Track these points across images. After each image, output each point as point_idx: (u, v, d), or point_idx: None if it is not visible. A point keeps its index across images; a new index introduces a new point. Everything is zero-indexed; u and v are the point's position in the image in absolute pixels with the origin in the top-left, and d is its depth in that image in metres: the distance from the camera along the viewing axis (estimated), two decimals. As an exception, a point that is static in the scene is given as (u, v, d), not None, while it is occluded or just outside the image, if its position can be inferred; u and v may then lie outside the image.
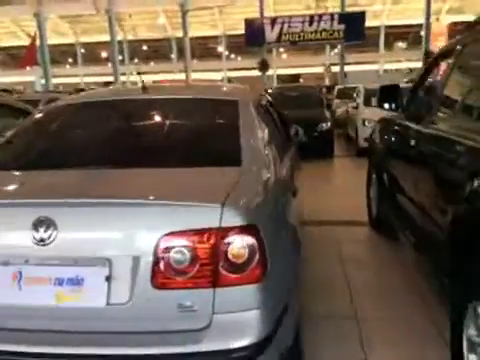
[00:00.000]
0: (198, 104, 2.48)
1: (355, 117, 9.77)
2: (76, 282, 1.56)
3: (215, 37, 39.49)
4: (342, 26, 18.78)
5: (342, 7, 22.74)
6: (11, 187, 1.88)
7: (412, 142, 3.12)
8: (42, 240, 1.54)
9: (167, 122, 2.45)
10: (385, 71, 32.94)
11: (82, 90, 19.78)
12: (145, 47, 42.51)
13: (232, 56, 41.75)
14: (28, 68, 26.70)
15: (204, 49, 40.23)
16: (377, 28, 32.72)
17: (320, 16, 19.05)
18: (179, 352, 1.51)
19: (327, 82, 26.18)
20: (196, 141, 2.18)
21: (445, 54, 3.44)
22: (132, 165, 1.94)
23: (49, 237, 1.53)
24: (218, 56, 40.25)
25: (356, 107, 10.00)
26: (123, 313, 1.55)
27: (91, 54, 41.75)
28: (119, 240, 1.57)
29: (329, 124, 9.23)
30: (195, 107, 2.46)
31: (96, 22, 34.51)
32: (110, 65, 36.35)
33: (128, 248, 1.55)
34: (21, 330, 1.59)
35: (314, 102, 9.84)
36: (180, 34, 34.59)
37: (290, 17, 19.38)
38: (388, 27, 33.96)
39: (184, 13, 26.82)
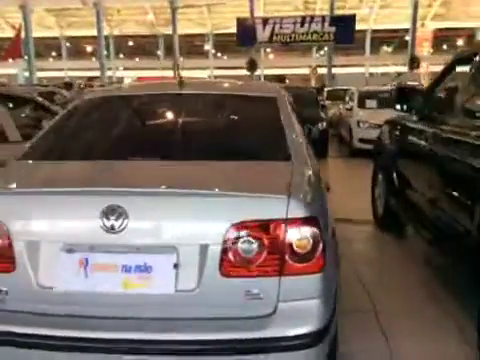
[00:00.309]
0: (239, 100, 2.53)
1: (349, 119, 9.94)
2: (144, 269, 1.60)
3: (202, 35, 39.41)
4: (333, 28, 19.00)
5: (331, 10, 23.01)
6: (76, 176, 1.90)
7: (431, 142, 3.23)
8: (112, 228, 1.57)
9: (213, 117, 2.49)
10: (370, 74, 33.41)
11: (70, 84, 19.36)
12: (131, 43, 42.17)
13: (218, 55, 41.75)
14: (10, 60, 26.22)
15: (190, 47, 40.08)
16: (364, 32, 33.14)
17: (311, 18, 19.25)
18: (246, 338, 1.57)
19: (313, 83, 26.45)
20: (245, 135, 2.24)
21: (461, 60, 3.57)
22: (188, 158, 1.98)
23: (120, 225, 1.57)
24: (204, 54, 40.17)
25: (350, 109, 10.16)
26: (191, 300, 1.59)
27: (76, 48, 41.22)
28: (188, 229, 1.61)
29: (325, 124, 9.36)
30: (237, 103, 2.52)
31: (82, 16, 34.09)
32: (94, 59, 36.05)
33: (196, 237, 1.60)
34: (87, 317, 1.62)
35: (310, 102, 9.96)
36: (167, 31, 34.47)
37: (282, 18, 19.52)
38: (374, 31, 34.44)
39: (174, 10, 26.71)
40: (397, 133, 4.24)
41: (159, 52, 40.65)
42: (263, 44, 20.50)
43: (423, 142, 3.43)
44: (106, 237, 1.59)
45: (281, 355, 1.58)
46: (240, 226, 1.57)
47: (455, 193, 2.87)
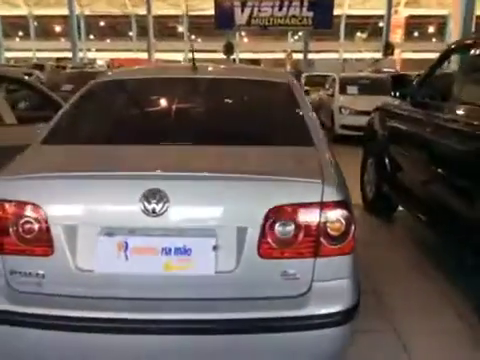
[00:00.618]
0: (257, 85, 2.56)
1: (330, 104, 10.05)
2: (183, 252, 1.63)
3: (176, 16, 38.73)
4: (311, 13, 19.04)
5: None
6: (112, 160, 1.89)
7: (428, 128, 3.35)
8: (154, 211, 1.59)
9: (235, 102, 2.51)
10: (344, 60, 33.72)
11: (41, 66, 18.68)
12: (102, 23, 41.05)
13: (192, 37, 41.16)
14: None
15: (164, 29, 39.35)
16: (338, 17, 33.32)
17: (290, 1, 19.18)
18: (283, 316, 1.63)
19: (288, 68, 26.52)
20: (267, 121, 2.28)
21: (454, 49, 3.70)
22: (216, 142, 2.01)
23: (161, 209, 1.59)
24: (177, 36, 39.53)
25: (331, 95, 10.27)
26: (230, 280, 1.64)
27: (43, 28, 39.81)
28: (227, 212, 1.65)
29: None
30: (255, 88, 2.54)
31: (51, -6, 32.95)
32: (63, 40, 34.89)
33: (235, 220, 1.64)
34: (127, 299, 1.65)
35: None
36: (140, 11, 33.69)
37: (260, 1, 19.38)
38: (348, 17, 34.67)
39: (148, -10, 26.13)
40: (390, 119, 4.36)
41: (131, 33, 39.77)
42: (242, 27, 20.35)
43: (419, 128, 3.55)
44: (147, 220, 1.61)
45: (316, 332, 1.66)
46: (278, 209, 1.62)
47: (451, 175, 3.02)
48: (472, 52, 3.28)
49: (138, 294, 1.66)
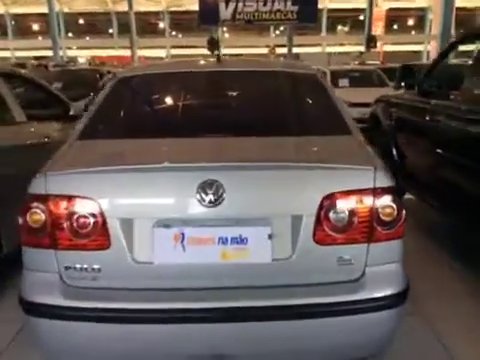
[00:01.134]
0: (287, 77, 2.58)
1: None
2: (240, 241, 1.65)
3: (156, 13, 38.35)
4: (295, 7, 19.07)
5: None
6: (163, 153, 1.89)
7: (437, 116, 3.44)
8: (210, 202, 1.61)
9: (268, 93, 2.51)
10: (330, 54, 33.86)
11: (22, 65, 18.37)
12: (81, 21, 40.37)
13: (173, 33, 40.82)
14: None
15: (145, 25, 38.93)
16: (320, 11, 33.41)
17: (274, -4, 19.21)
18: (339, 301, 1.67)
19: (272, 63, 26.44)
20: (305, 111, 2.31)
21: (460, 40, 3.79)
22: (259, 134, 2.02)
23: (217, 199, 1.61)
24: (159, 33, 39.16)
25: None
26: (287, 267, 1.67)
27: (20, 26, 38.98)
28: (282, 201, 1.67)
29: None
30: (286, 79, 2.56)
31: (28, -8, 32.27)
32: (41, 38, 34.21)
33: (290, 208, 1.67)
34: (187, 289, 1.67)
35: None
36: (121, 8, 33.27)
37: (245, -5, 19.33)
38: (330, 10, 34.83)
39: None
40: (396, 110, 4.44)
41: (111, 30, 39.22)
42: (226, 22, 20.25)
43: (428, 116, 3.63)
44: (203, 211, 1.62)
45: (370, 316, 1.70)
46: (332, 196, 1.65)
47: (460, 159, 3.11)
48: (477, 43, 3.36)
49: (196, 284, 1.67)
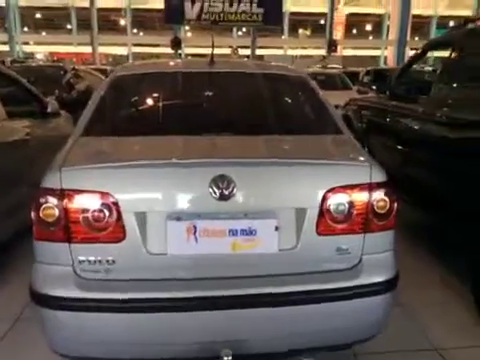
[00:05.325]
0: (281, 79, 2.71)
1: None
2: (249, 233, 1.75)
3: (118, 10, 37.63)
4: (261, 9, 19.34)
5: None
6: (174, 149, 1.95)
7: (407, 119, 3.69)
8: (222, 196, 1.70)
9: (265, 94, 2.62)
10: (293, 57, 34.35)
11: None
12: (39, 15, 39.03)
13: (134, 31, 40.22)
14: None
15: (105, 22, 38.13)
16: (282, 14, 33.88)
17: (240, -3, 19.39)
18: (338, 287, 1.81)
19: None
20: (299, 112, 2.45)
21: (429, 47, 4.05)
22: (258, 132, 2.14)
23: (228, 193, 1.71)
24: (119, 30, 38.46)
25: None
26: (291, 257, 1.80)
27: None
28: (288, 194, 1.79)
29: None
30: (280, 81, 2.69)
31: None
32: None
33: (295, 201, 1.79)
34: (200, 278, 1.75)
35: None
36: (80, 3, 32.44)
37: (211, -4, 19.39)
38: (292, 14, 35.40)
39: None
40: (367, 112, 4.68)
41: (70, 26, 38.15)
42: (192, 22, 20.23)
43: (399, 118, 3.88)
44: (215, 205, 1.72)
45: (367, 300, 1.85)
46: (334, 191, 1.79)
47: (429, 158, 3.36)
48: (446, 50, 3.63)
49: (208, 273, 1.76)
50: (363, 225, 1.84)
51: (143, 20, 37.74)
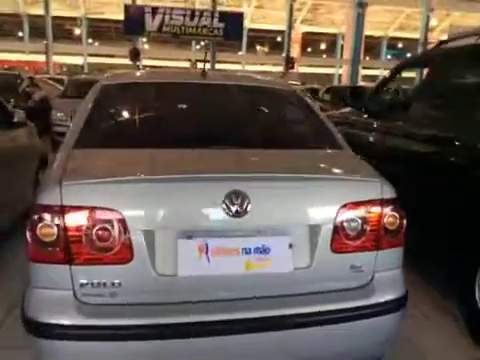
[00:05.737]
0: (279, 94, 2.67)
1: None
2: (262, 251, 1.68)
3: (73, 19, 36.72)
4: (222, 24, 19.46)
5: (213, 4, 23.49)
6: (181, 163, 1.85)
7: (385, 136, 3.77)
8: (236, 213, 1.62)
9: (262, 108, 2.57)
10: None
11: None
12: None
13: (90, 41, 39.34)
14: None
15: (59, 31, 37.07)
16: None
17: (201, 12, 19.43)
18: (353, 306, 1.76)
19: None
20: (298, 126, 2.41)
21: (404, 66, 4.18)
22: (259, 146, 2.10)
23: (242, 210, 1.62)
24: (73, 39, 37.49)
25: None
26: (306, 276, 1.73)
27: None
28: (302, 211, 1.74)
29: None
30: (275, 95, 2.64)
31: None
32: None
33: (309, 218, 1.74)
34: (213, 301, 1.65)
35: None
36: (33, 11, 31.41)
37: (172, 8, 19.29)
38: (250, 30, 35.91)
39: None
40: (343, 128, 4.74)
41: (21, 34, 36.78)
42: (153, 34, 20.01)
43: (375, 134, 3.96)
44: (229, 222, 1.63)
45: (380, 318, 1.80)
46: (347, 207, 1.75)
47: (408, 173, 3.42)
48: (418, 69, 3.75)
49: (221, 295, 1.67)
50: (375, 242, 1.81)
51: (99, 30, 37.07)
